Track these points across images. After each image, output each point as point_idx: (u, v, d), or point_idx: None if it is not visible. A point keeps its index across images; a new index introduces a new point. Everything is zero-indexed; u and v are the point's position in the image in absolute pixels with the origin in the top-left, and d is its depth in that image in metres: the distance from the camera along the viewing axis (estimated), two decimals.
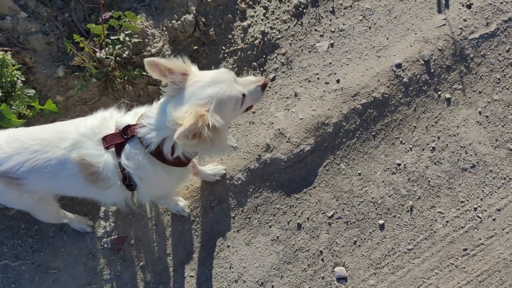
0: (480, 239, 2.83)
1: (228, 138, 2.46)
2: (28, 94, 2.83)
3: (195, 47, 3.27)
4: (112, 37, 2.98)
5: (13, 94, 2.76)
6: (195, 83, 2.05)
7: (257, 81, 2.24)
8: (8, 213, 3.15)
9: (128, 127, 2.18)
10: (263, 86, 2.26)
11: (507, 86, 3.01)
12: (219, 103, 2.01)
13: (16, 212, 3.15)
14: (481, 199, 2.88)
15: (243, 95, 2.16)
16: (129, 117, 2.25)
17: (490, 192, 2.89)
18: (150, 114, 2.15)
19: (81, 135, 2.20)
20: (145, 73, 3.15)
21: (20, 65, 2.89)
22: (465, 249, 2.82)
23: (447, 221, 2.88)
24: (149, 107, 2.24)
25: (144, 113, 2.20)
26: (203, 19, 3.26)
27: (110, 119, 2.26)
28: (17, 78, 2.82)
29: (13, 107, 2.67)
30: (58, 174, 2.20)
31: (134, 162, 2.16)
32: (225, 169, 3.08)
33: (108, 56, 3.01)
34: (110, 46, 2.98)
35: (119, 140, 2.16)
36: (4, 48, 2.92)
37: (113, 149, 2.16)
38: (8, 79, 2.74)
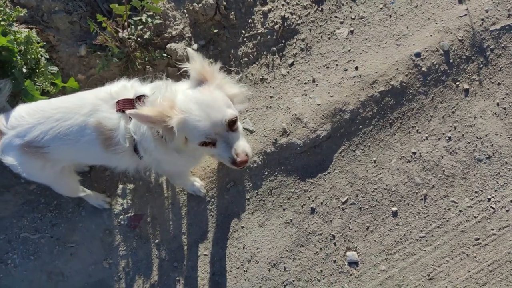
0: (493, 229, 2.85)
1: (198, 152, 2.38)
2: (52, 71, 2.89)
3: (215, 30, 3.30)
4: (134, 18, 3.02)
5: (37, 71, 2.81)
6: (199, 92, 2.06)
7: (237, 153, 2.07)
8: (28, 187, 3.24)
9: (142, 96, 2.21)
10: (235, 162, 2.08)
11: None
12: (187, 123, 2.00)
13: (37, 186, 3.24)
14: (495, 190, 2.90)
15: (213, 143, 2.07)
16: (148, 88, 2.28)
17: (504, 183, 2.90)
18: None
19: (99, 99, 2.26)
20: (165, 55, 3.20)
21: (44, 43, 2.94)
22: (477, 239, 2.85)
23: (460, 211, 2.90)
24: (170, 83, 2.25)
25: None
26: (224, 3, 3.28)
27: (130, 88, 2.29)
28: (41, 56, 2.87)
29: (37, 84, 2.73)
30: (79, 141, 2.26)
31: (139, 131, 2.21)
32: None
33: (130, 37, 3.05)
34: (132, 26, 3.02)
35: (131, 106, 2.19)
36: (29, 26, 2.97)
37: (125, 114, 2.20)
38: (33, 56, 2.79)
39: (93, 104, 2.28)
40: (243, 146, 2.09)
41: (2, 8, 2.61)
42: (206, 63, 2.09)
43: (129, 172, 2.60)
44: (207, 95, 2.03)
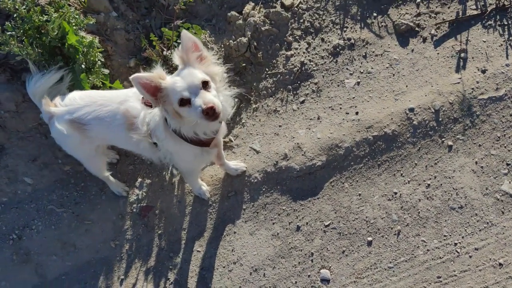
0: (455, 271, 3.13)
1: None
2: (103, 73, 3.52)
3: (244, 65, 3.89)
4: (179, 41, 3.66)
5: (92, 70, 3.45)
6: (181, 70, 2.49)
7: (204, 104, 2.36)
8: (63, 168, 3.80)
9: None
10: (204, 111, 2.36)
11: (505, 145, 3.37)
12: (171, 89, 2.40)
13: (70, 168, 3.79)
14: (463, 237, 3.21)
15: (188, 100, 2.40)
16: None
17: (472, 232, 3.21)
18: None
19: (132, 93, 2.83)
20: None
21: (103, 50, 3.60)
22: (439, 277, 3.14)
23: (428, 250, 3.22)
24: None
25: None
26: (255, 43, 3.89)
27: None
28: (98, 59, 3.52)
29: (89, 79, 3.36)
30: (112, 124, 2.81)
31: (154, 120, 2.71)
32: (246, 167, 3.60)
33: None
34: (176, 48, 3.64)
35: None
36: (94, 35, 3.65)
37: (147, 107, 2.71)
38: (92, 58, 3.44)
39: (125, 95, 2.87)
40: (210, 97, 2.39)
41: (77, 16, 3.30)
42: (193, 42, 2.47)
43: (150, 161, 3.11)
44: (186, 70, 2.46)
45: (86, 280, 3.53)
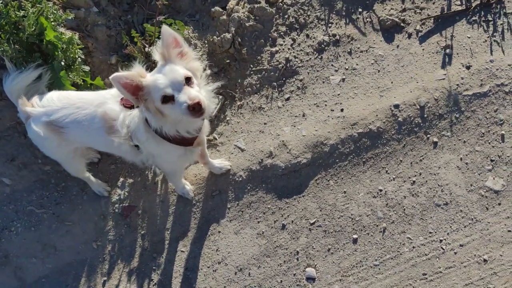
0: (440, 267, 3.12)
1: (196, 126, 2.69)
2: (84, 70, 3.43)
3: (228, 61, 3.83)
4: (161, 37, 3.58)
5: (72, 67, 3.36)
6: (161, 66, 2.42)
7: (190, 99, 2.31)
8: (43, 167, 3.70)
9: None
10: (190, 107, 2.30)
11: (489, 141, 3.37)
12: (152, 86, 2.34)
13: (51, 168, 3.70)
14: (448, 234, 3.20)
15: (171, 97, 2.35)
16: None
17: (457, 228, 3.20)
18: None
19: (109, 94, 2.74)
20: None
21: (83, 47, 3.51)
22: (424, 274, 3.12)
23: (413, 247, 3.20)
24: None
25: None
26: (239, 39, 3.83)
27: None
28: (78, 56, 3.43)
29: (69, 76, 3.27)
30: (90, 127, 2.73)
31: (134, 123, 2.63)
32: (231, 166, 3.54)
33: None
34: (156, 44, 3.57)
35: (131, 103, 2.57)
36: (74, 31, 3.56)
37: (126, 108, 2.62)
38: (71, 55, 3.35)
39: (104, 97, 2.78)
40: (195, 93, 2.34)
41: (55, 12, 3.20)
42: (174, 37, 2.40)
43: (129, 162, 3.05)
44: (167, 67, 2.38)
45: (67, 283, 3.45)
